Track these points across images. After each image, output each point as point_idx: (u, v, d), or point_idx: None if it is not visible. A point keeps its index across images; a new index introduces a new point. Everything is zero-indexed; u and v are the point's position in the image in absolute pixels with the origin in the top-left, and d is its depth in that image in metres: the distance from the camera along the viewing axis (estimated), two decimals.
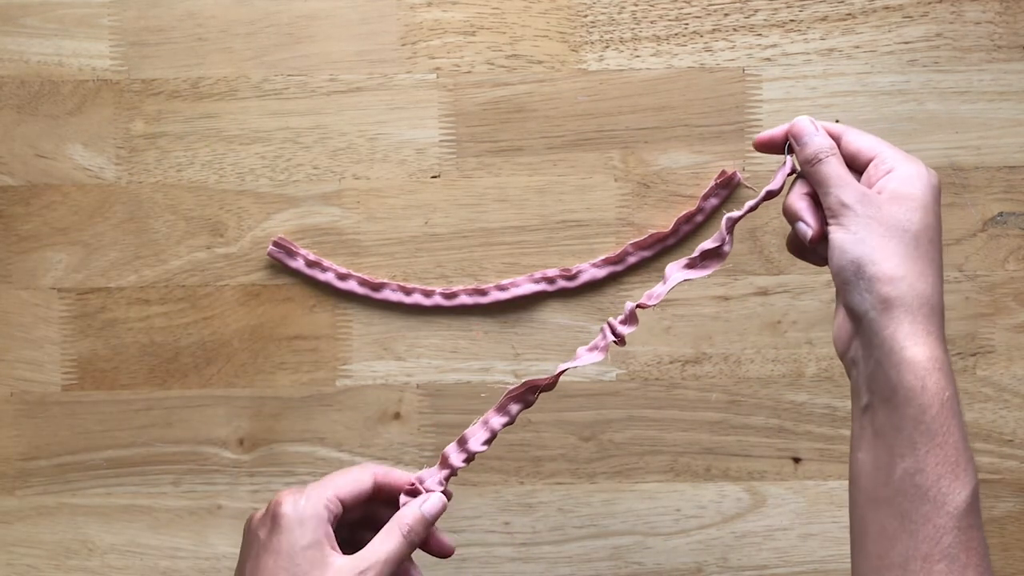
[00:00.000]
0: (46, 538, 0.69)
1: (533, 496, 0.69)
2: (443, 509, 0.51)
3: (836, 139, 0.50)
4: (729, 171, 0.67)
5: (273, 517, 0.48)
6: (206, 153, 0.68)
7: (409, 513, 0.50)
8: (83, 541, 0.69)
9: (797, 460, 0.68)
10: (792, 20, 0.68)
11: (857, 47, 0.67)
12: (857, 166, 0.49)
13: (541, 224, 0.68)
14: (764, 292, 0.68)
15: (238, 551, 0.68)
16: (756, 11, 0.68)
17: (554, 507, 0.69)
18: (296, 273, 0.68)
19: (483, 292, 0.68)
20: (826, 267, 0.49)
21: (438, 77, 0.68)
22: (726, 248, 0.52)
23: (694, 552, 0.68)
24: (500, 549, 0.69)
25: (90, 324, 0.68)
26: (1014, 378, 0.68)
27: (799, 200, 0.50)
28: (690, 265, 0.53)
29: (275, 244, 0.68)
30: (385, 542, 0.49)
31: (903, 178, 0.47)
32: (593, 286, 0.68)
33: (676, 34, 0.68)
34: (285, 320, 0.68)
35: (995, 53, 0.68)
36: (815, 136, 0.50)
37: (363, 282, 0.68)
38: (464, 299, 0.68)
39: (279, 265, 0.68)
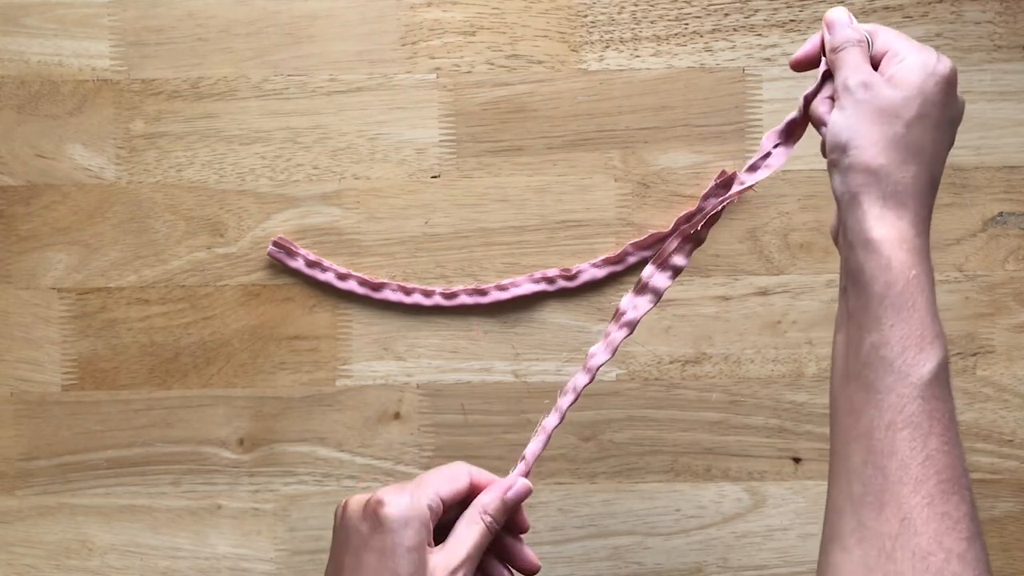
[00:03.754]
0: (46, 538, 0.69)
1: (533, 496, 0.68)
2: (527, 495, 0.51)
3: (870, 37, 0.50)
4: (729, 171, 0.68)
5: (376, 515, 0.48)
6: (206, 153, 0.68)
7: (491, 501, 0.50)
8: (83, 541, 0.69)
9: (797, 460, 0.68)
10: (792, 20, 0.68)
11: None
12: (877, 62, 0.49)
13: (541, 224, 0.68)
14: (764, 292, 0.68)
15: (237, 551, 0.68)
16: (756, 11, 0.68)
17: (554, 507, 0.69)
18: (296, 273, 0.68)
19: (483, 292, 0.68)
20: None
21: (438, 77, 0.68)
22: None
23: (694, 552, 0.68)
24: None
25: (90, 324, 0.68)
26: (1014, 378, 0.68)
27: (822, 105, 0.50)
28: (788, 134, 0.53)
29: (275, 244, 0.68)
30: (470, 533, 0.49)
31: (908, 66, 0.47)
32: (593, 286, 0.68)
33: (676, 34, 0.68)
34: (285, 320, 0.68)
35: (995, 53, 0.68)
36: (846, 27, 0.50)
37: (363, 282, 0.68)
38: (464, 299, 0.68)
39: (279, 265, 0.68)
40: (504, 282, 0.68)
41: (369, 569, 0.47)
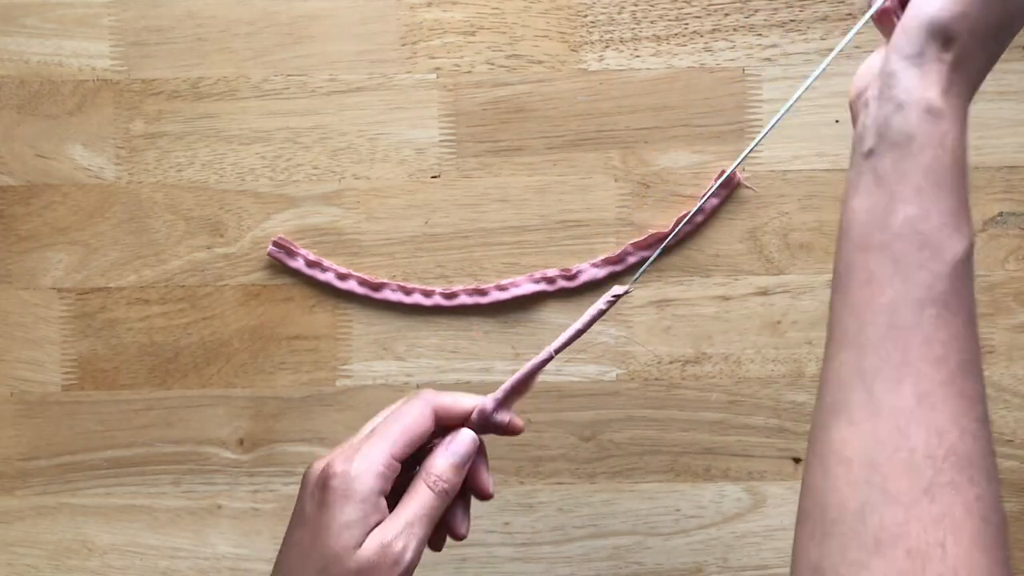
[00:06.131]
0: (46, 538, 0.69)
1: (533, 496, 0.69)
2: (473, 448, 0.49)
3: None
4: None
5: (323, 489, 0.46)
6: (206, 153, 0.68)
7: (436, 463, 0.48)
8: (83, 541, 0.69)
9: (797, 460, 0.68)
10: (792, 20, 0.68)
11: (857, 47, 0.67)
12: None
13: (541, 224, 0.68)
14: (764, 292, 0.68)
15: (237, 551, 0.68)
16: (756, 11, 0.68)
17: (554, 507, 0.69)
18: (296, 273, 0.68)
19: (483, 292, 0.68)
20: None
21: (438, 77, 0.68)
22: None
23: (694, 552, 0.68)
24: (500, 549, 0.69)
25: (90, 324, 0.68)
26: (1014, 378, 0.68)
27: None
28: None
29: (275, 244, 0.68)
30: (413, 501, 0.47)
31: None
32: (593, 286, 0.68)
33: (676, 34, 0.68)
34: (285, 320, 0.68)
35: None
36: None
37: (363, 282, 0.68)
38: (464, 299, 0.68)
39: (279, 265, 0.68)
40: (504, 282, 0.68)
41: (302, 546, 0.46)
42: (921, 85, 0.43)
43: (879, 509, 0.39)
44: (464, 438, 0.49)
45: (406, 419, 0.49)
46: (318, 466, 0.48)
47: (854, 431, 0.41)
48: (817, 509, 0.41)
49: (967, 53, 0.43)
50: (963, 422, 0.40)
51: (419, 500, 0.47)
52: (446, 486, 0.48)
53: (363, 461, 0.47)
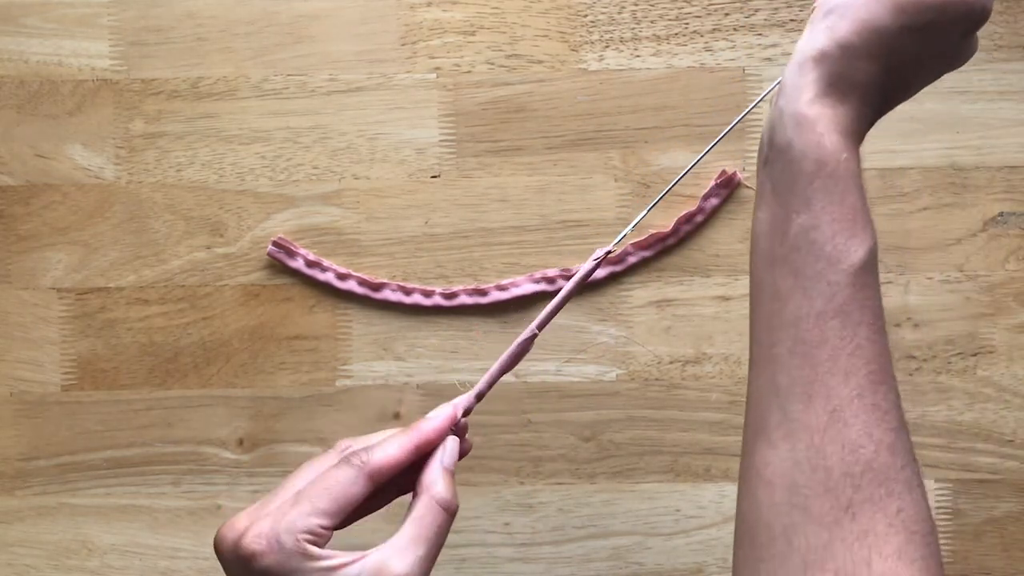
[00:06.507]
0: (46, 538, 0.69)
1: (533, 496, 0.69)
2: (458, 450, 0.48)
3: None
4: (729, 171, 0.68)
5: (250, 570, 0.43)
6: (206, 153, 0.68)
7: (437, 480, 0.46)
8: (83, 541, 0.69)
9: None
10: (792, 20, 0.68)
11: None
12: None
13: (541, 224, 0.68)
14: None
15: None
16: (756, 11, 0.68)
17: (554, 507, 0.69)
18: (296, 273, 0.68)
19: (483, 292, 0.68)
20: None
21: (438, 77, 0.68)
22: None
23: (694, 552, 0.68)
24: (500, 549, 0.69)
25: (90, 324, 0.68)
26: (1014, 378, 0.68)
27: None
28: None
29: (275, 244, 0.68)
30: (423, 526, 0.45)
31: None
32: (593, 286, 0.68)
33: (676, 34, 0.68)
34: (285, 320, 0.68)
35: (995, 53, 0.68)
36: None
37: (363, 282, 0.68)
38: (464, 299, 0.68)
39: (279, 265, 0.68)
40: (504, 282, 0.68)
41: None
42: (796, 90, 0.43)
43: (803, 531, 0.39)
44: (450, 447, 0.48)
45: (331, 484, 0.46)
46: (226, 539, 0.44)
47: (774, 453, 0.41)
48: (747, 533, 0.41)
49: (845, 64, 0.43)
50: (877, 434, 0.40)
51: (431, 520, 0.45)
52: (452, 497, 0.46)
53: (281, 539, 0.43)
